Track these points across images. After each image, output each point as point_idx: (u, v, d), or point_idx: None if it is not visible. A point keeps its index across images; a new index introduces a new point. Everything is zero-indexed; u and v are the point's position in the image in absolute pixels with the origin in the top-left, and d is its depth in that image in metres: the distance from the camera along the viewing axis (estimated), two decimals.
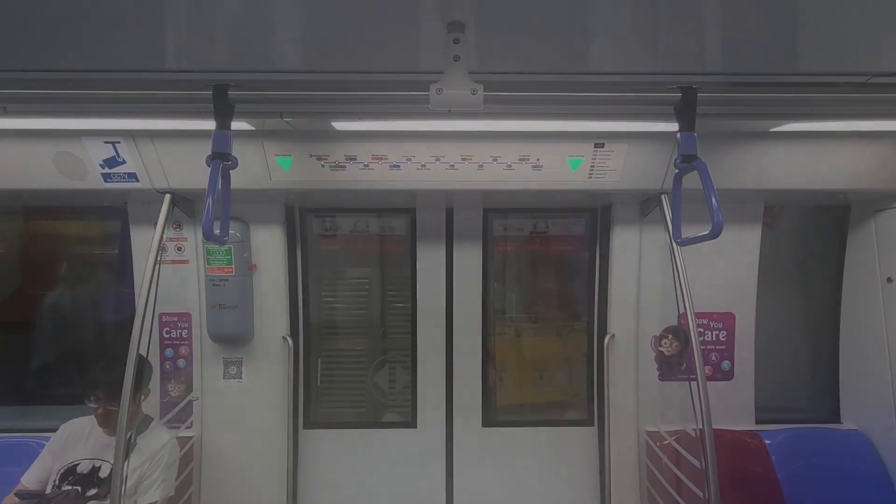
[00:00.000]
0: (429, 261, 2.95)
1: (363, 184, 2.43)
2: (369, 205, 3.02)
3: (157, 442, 2.27)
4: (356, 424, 3.01)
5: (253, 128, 2.18)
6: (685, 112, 1.18)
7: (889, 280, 2.54)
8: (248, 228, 2.72)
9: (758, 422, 2.76)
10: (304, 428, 2.93)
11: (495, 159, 2.40)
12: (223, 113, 1.24)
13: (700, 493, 2.16)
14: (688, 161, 1.18)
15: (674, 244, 2.37)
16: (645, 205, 2.69)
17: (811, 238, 3.08)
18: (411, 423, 2.94)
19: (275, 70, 1.53)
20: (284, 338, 2.79)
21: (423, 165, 2.40)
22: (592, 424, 2.92)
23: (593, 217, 2.98)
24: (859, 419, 2.73)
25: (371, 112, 1.96)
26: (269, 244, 2.78)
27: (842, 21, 1.28)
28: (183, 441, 2.60)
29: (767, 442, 2.62)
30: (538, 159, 2.41)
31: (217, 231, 1.34)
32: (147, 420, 2.36)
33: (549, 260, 3.12)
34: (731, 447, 2.59)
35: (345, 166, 2.39)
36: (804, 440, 2.63)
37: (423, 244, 2.96)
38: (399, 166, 2.40)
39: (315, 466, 2.92)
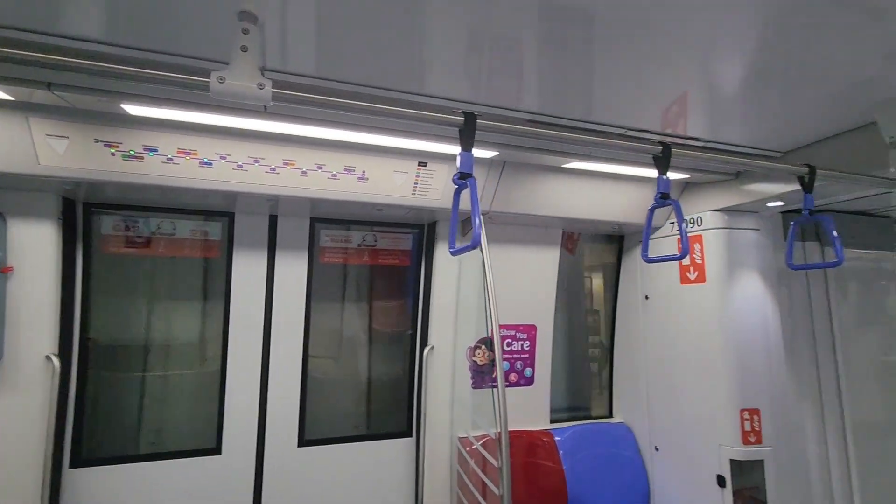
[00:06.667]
0: (247, 270, 2.75)
1: (166, 179, 2.16)
2: (180, 205, 2.70)
3: None
4: (143, 457, 2.58)
5: (12, 98, 1.79)
6: (465, 134, 1.27)
7: (646, 297, 3.13)
8: (2, 221, 2.21)
9: (552, 422, 3.13)
10: (71, 466, 2.43)
11: (320, 167, 2.36)
12: None
13: (497, 490, 2.34)
14: (463, 178, 1.25)
15: (486, 262, 2.60)
16: (465, 224, 2.90)
17: (601, 262, 3.66)
18: (215, 448, 2.64)
19: (43, 32, 1.29)
20: (49, 357, 2.29)
21: (240, 166, 2.24)
22: (411, 435, 2.99)
23: (422, 232, 3.11)
24: (625, 413, 3.29)
25: (158, 96, 1.76)
26: (35, 243, 2.29)
27: (607, 82, 1.62)
28: None
29: (557, 439, 2.98)
30: (363, 171, 2.43)
31: None
32: None
33: (377, 273, 3.15)
34: (528, 446, 2.89)
35: (142, 157, 2.10)
36: (585, 434, 3.06)
37: (242, 252, 2.75)
38: (211, 164, 2.20)
39: None
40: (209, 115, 1.88)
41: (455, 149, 2.31)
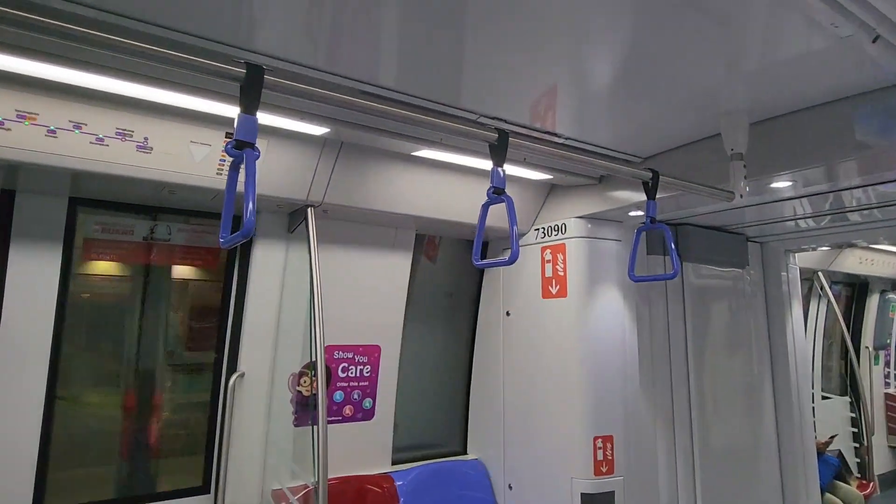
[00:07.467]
0: None
1: None
2: None
3: None
4: None
5: None
6: (247, 92, 0.92)
7: (507, 314, 2.82)
8: None
9: (394, 462, 2.63)
10: None
11: (78, 126, 1.68)
12: None
13: None
14: (240, 147, 0.90)
15: (314, 265, 2.08)
16: (292, 218, 2.33)
17: (464, 273, 3.24)
18: None
19: None
20: None
21: None
22: (208, 492, 2.28)
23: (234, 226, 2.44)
24: (480, 449, 2.89)
25: None
26: None
27: (472, 64, 1.50)
28: None
29: (399, 483, 2.49)
30: (145, 138, 1.79)
31: None
32: None
33: (169, 278, 2.41)
34: (361, 494, 2.37)
35: None
36: (432, 475, 2.61)
37: None
38: None
39: None
40: None
41: (275, 119, 1.78)
